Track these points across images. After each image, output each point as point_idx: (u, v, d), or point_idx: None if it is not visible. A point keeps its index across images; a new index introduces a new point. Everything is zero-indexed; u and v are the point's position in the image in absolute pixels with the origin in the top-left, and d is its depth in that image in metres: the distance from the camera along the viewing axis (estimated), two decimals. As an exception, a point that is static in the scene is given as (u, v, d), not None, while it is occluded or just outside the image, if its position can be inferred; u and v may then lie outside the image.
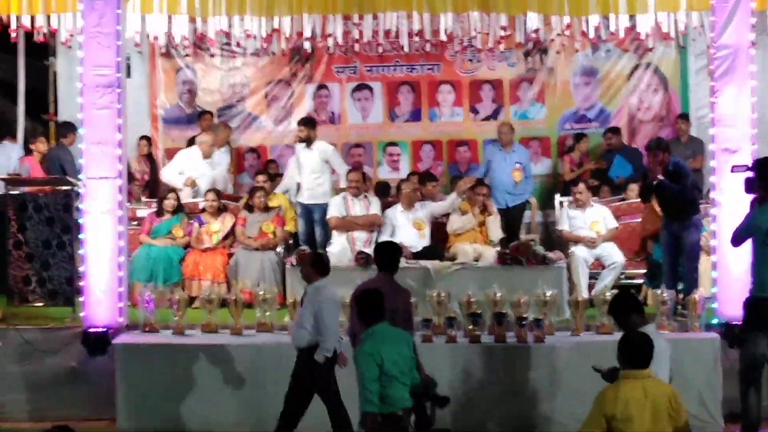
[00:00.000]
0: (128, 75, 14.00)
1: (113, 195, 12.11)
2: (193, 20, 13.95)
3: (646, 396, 7.34)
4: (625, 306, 8.70)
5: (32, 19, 13.66)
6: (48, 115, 17.47)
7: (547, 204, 16.41)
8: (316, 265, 10.38)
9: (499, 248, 13.65)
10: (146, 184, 16.42)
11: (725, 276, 11.84)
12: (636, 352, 7.54)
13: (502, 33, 13.72)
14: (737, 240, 9.88)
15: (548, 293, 11.79)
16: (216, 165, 15.80)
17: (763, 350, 9.59)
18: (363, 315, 8.85)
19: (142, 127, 17.44)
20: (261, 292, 12.27)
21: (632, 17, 13.56)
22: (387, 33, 14.26)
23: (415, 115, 17.66)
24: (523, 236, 14.62)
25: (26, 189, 13.40)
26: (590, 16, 13.24)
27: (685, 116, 16.48)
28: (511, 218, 15.06)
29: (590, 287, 13.42)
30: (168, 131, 17.63)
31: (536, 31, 13.67)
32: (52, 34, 14.16)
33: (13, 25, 13.32)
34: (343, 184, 14.90)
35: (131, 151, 15.86)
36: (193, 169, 15.43)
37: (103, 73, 12.11)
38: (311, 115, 16.61)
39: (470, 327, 11.65)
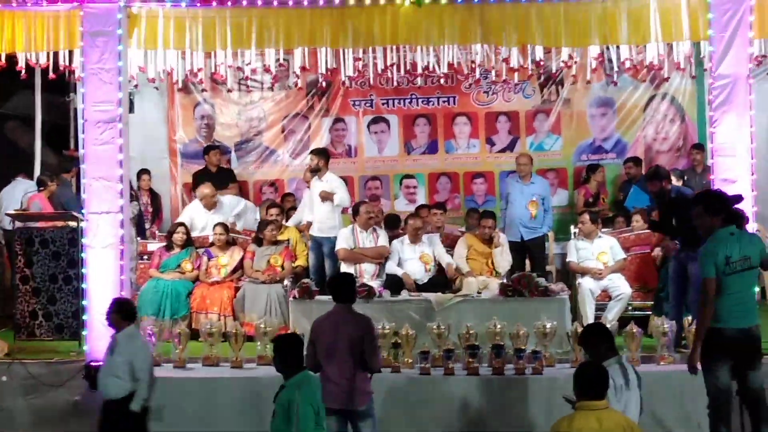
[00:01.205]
0: (131, 110, 14.11)
1: (115, 229, 12.23)
2: (208, 55, 14.02)
3: (600, 427, 7.30)
4: (595, 337, 8.68)
5: (49, 56, 13.77)
6: (69, 150, 17.63)
7: (562, 236, 16.31)
8: (121, 312, 10.44)
9: (505, 280, 13.57)
10: (151, 217, 16.50)
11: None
12: (591, 384, 7.52)
13: (507, 65, 13.63)
14: (706, 275, 9.64)
15: (548, 325, 11.77)
16: (226, 209, 15.91)
17: (726, 381, 9.44)
18: (284, 361, 8.64)
19: (161, 161, 17.75)
20: (262, 326, 12.30)
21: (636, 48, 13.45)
22: (398, 67, 14.29)
23: (432, 148, 17.71)
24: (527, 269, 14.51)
25: (33, 224, 13.50)
26: (591, 47, 13.11)
27: (699, 146, 16.38)
28: (530, 252, 14.98)
29: (597, 319, 13.26)
30: (187, 165, 17.69)
31: (538, 63, 13.64)
32: (72, 72, 14.25)
33: (21, 63, 13.34)
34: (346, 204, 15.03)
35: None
36: (202, 222, 15.57)
37: (104, 109, 12.30)
38: (326, 147, 16.63)
39: (468, 359, 11.61)
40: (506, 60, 13.39)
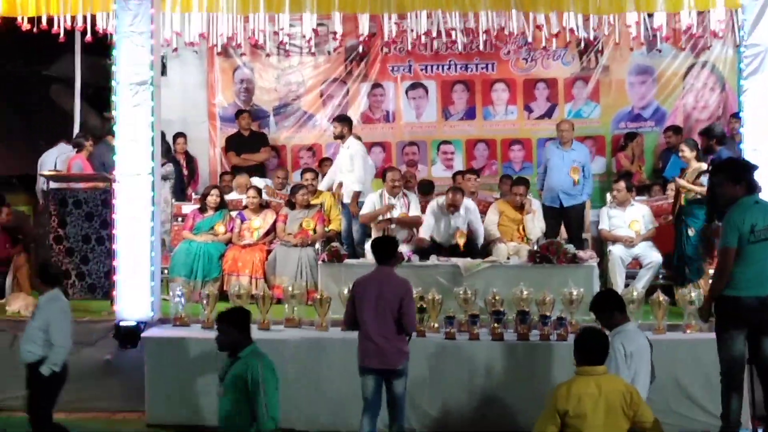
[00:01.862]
0: (163, 73, 14.20)
1: (146, 191, 12.31)
2: (246, 19, 14.07)
3: (599, 392, 7.40)
4: (607, 304, 8.71)
5: (86, 18, 13.89)
6: (111, 113, 17.76)
7: (599, 203, 16.24)
8: (42, 276, 10.53)
9: (535, 247, 13.54)
10: (186, 180, 16.66)
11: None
12: (589, 350, 7.63)
13: (540, 32, 13.61)
14: (727, 244, 9.56)
15: (575, 292, 11.71)
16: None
17: (740, 350, 9.39)
18: (241, 333, 8.28)
19: (201, 125, 17.87)
20: (290, 288, 12.37)
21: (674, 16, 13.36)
22: (439, 33, 14.27)
23: (470, 114, 17.71)
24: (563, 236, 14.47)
25: (67, 185, 13.65)
26: (628, 13, 13.02)
27: (737, 115, 16.22)
28: (568, 218, 14.88)
29: (626, 287, 13.21)
30: (225, 129, 17.80)
31: (572, 30, 13.60)
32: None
33: (56, 26, 13.46)
34: (357, 187, 15.04)
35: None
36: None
37: (136, 72, 12.33)
38: (346, 114, 16.65)
39: (494, 325, 11.62)
40: (539, 27, 13.31)
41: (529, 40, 15.07)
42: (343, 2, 13.21)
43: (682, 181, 13.33)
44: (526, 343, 11.48)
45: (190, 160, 17.07)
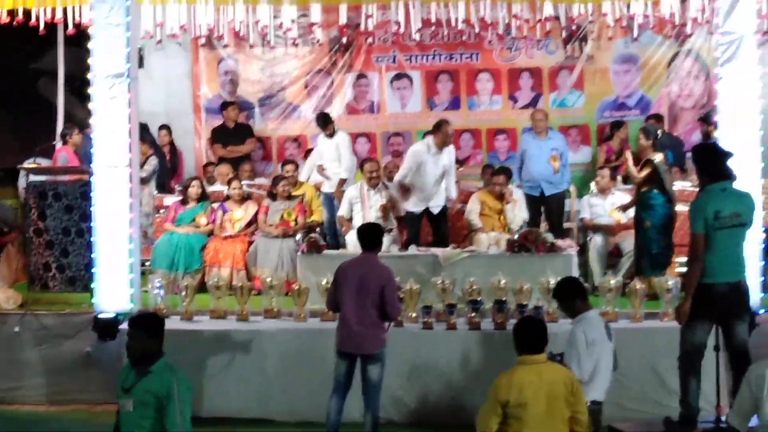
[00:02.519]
0: (140, 65, 14.17)
1: (124, 183, 12.31)
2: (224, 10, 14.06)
3: (540, 380, 7.37)
4: (569, 292, 8.75)
5: (66, 11, 13.88)
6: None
7: (585, 192, 16.21)
8: None
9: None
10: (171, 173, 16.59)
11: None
12: (528, 338, 7.62)
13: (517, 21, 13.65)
14: (695, 230, 9.62)
15: (552, 280, 11.65)
16: None
17: (701, 339, 9.41)
18: (155, 343, 7.74)
19: (186, 117, 17.91)
20: (268, 279, 12.39)
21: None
22: (426, 21, 14.25)
23: (454, 104, 17.73)
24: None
25: (48, 177, 13.67)
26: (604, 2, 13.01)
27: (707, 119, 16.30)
28: (549, 207, 14.81)
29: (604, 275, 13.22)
30: (211, 121, 17.81)
31: (548, 18, 13.61)
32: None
33: (33, 18, 13.48)
34: (344, 175, 15.34)
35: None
36: None
37: (113, 64, 12.31)
38: (323, 111, 16.68)
39: (471, 314, 11.63)
40: (516, 16, 13.32)
41: (500, 31, 14.95)
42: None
43: (632, 169, 13.48)
44: (503, 333, 11.42)
45: (174, 152, 17.02)
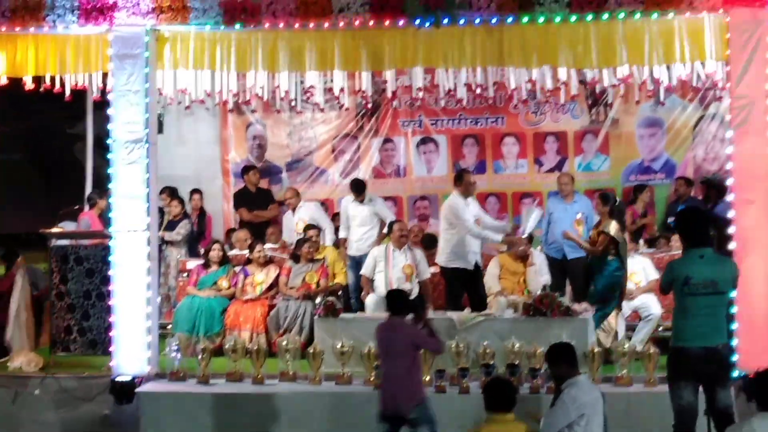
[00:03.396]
0: (160, 131, 14.37)
1: (141, 247, 12.49)
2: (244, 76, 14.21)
3: None
4: (558, 357, 8.83)
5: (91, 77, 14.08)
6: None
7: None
8: None
9: (533, 300, 13.54)
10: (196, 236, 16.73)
11: (747, 327, 11.61)
12: (496, 398, 8.09)
13: (533, 86, 13.74)
14: (662, 289, 9.84)
15: (566, 345, 11.70)
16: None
17: (690, 400, 9.39)
18: None
19: (215, 180, 18.10)
20: (284, 342, 12.47)
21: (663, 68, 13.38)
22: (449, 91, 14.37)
23: (480, 168, 17.76)
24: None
25: (71, 242, 13.85)
26: (618, 67, 13.04)
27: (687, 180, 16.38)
28: (572, 271, 14.75)
29: (628, 339, 13.17)
30: (239, 185, 17.92)
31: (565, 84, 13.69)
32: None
33: (57, 85, 13.69)
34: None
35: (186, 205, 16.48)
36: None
37: (131, 130, 12.53)
38: (360, 179, 16.57)
39: (483, 378, 11.63)
40: (532, 81, 13.43)
41: (523, 96, 15.01)
42: (344, 61, 13.17)
43: (571, 234, 13.86)
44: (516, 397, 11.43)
45: (204, 216, 17.16)
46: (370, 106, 17.23)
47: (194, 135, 18.11)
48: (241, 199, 17.11)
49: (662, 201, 17.10)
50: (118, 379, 12.35)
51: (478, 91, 14.67)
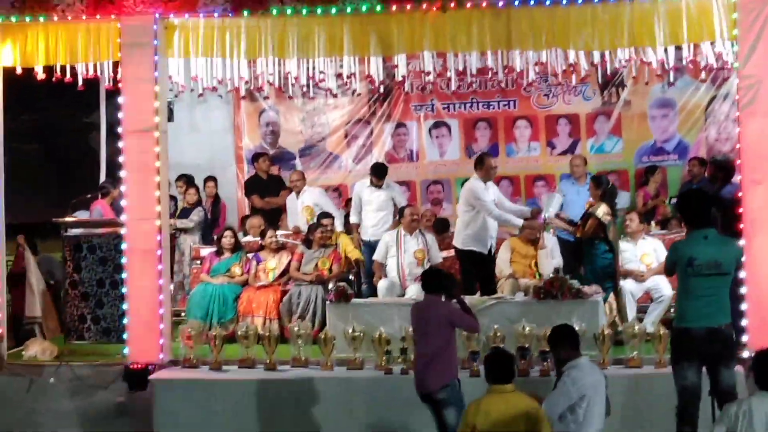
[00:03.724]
0: (170, 119, 14.44)
1: (153, 235, 12.53)
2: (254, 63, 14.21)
3: (507, 408, 8.11)
4: (558, 339, 9.00)
5: (101, 66, 14.10)
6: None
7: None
8: None
9: (544, 283, 13.54)
10: (210, 224, 16.76)
11: (756, 307, 11.58)
12: (496, 370, 8.41)
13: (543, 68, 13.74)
14: (666, 270, 9.89)
15: (576, 327, 11.68)
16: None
17: (693, 381, 9.39)
18: None
19: (229, 168, 18.15)
20: (296, 328, 12.51)
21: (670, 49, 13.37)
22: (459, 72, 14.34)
23: (493, 151, 17.65)
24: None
25: (84, 230, 13.95)
26: (621, 49, 13.06)
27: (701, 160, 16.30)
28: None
29: (640, 321, 13.17)
30: (253, 171, 17.95)
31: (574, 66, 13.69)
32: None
33: (68, 74, 13.72)
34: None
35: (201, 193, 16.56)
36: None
37: (142, 118, 12.58)
38: (382, 163, 16.65)
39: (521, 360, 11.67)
40: (540, 63, 13.44)
41: (529, 79, 14.98)
42: (353, 46, 13.15)
43: (556, 220, 13.97)
44: (526, 379, 11.45)
45: (218, 203, 17.20)
46: (382, 90, 17.16)
47: (208, 122, 18.21)
48: (253, 186, 17.14)
49: (675, 182, 17.06)
50: (132, 366, 12.38)
51: (489, 75, 14.66)
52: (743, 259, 10.47)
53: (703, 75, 16.15)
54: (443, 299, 10.38)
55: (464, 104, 17.84)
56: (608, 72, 15.91)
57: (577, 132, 17.61)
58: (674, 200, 12.65)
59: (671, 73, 15.24)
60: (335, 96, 17.35)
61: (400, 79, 14.63)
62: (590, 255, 13.19)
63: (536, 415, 8.09)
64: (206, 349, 12.69)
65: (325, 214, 15.25)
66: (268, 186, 17.02)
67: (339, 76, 14.41)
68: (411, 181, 17.89)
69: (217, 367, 12.38)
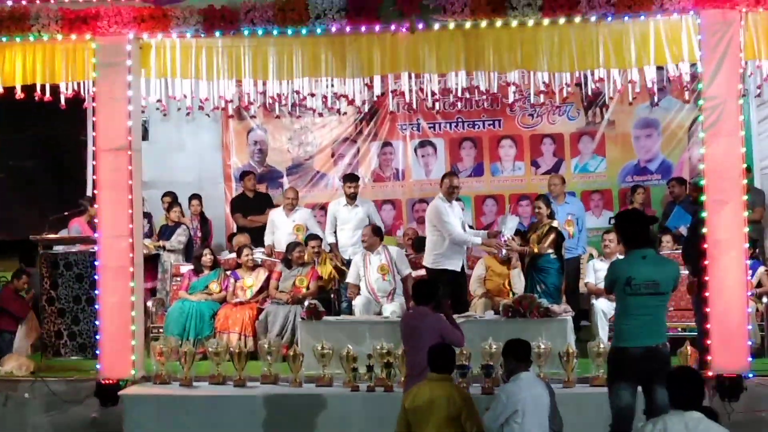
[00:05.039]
0: (145, 137, 14.58)
1: (125, 252, 12.65)
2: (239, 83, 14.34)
3: (431, 395, 8.87)
4: (506, 350, 9.33)
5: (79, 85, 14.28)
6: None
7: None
8: None
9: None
10: (200, 242, 16.87)
11: (720, 328, 11.65)
12: (437, 359, 9.15)
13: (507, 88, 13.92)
14: (606, 289, 9.99)
15: (542, 346, 11.83)
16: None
17: (628, 401, 9.44)
18: None
19: (217, 186, 18.31)
20: (265, 345, 12.62)
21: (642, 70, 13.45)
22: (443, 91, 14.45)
23: (478, 170, 17.93)
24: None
25: (62, 248, 14.13)
26: (591, 70, 13.21)
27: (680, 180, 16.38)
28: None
29: (610, 340, 13.21)
30: (241, 189, 18.10)
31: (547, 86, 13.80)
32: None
33: (48, 94, 13.88)
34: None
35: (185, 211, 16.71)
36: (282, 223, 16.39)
37: (115, 137, 12.72)
38: (351, 173, 17.00)
39: (460, 379, 11.73)
40: (510, 84, 13.56)
41: (509, 100, 15.22)
42: (331, 67, 13.27)
43: (512, 243, 14.01)
44: (491, 396, 11.50)
45: (205, 222, 17.33)
46: (367, 110, 17.30)
47: (197, 140, 18.36)
48: (238, 204, 17.37)
49: (658, 201, 17.12)
50: (103, 382, 12.51)
51: (475, 94, 14.78)
52: (681, 279, 10.46)
53: (686, 96, 16.18)
54: (432, 311, 10.51)
55: (450, 123, 17.95)
56: (590, 92, 15.95)
57: (561, 151, 17.69)
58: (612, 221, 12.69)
59: (655, 95, 15.34)
60: (321, 115, 17.42)
61: (376, 99, 14.74)
62: (544, 271, 13.28)
63: (456, 400, 8.80)
64: (179, 365, 12.79)
65: (313, 236, 15.42)
66: (253, 204, 17.20)
67: (323, 96, 14.51)
68: (397, 199, 18.01)
69: (188, 384, 12.50)
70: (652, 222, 10.07)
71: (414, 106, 16.39)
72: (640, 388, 9.53)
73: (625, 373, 9.48)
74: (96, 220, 12.96)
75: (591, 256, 15.62)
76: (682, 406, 7.58)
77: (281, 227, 16.30)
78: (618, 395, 9.51)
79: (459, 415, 8.72)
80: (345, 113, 17.47)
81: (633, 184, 17.17)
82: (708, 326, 11.72)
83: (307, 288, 14.53)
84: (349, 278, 14.65)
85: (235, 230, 17.35)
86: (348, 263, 15.30)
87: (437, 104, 16.48)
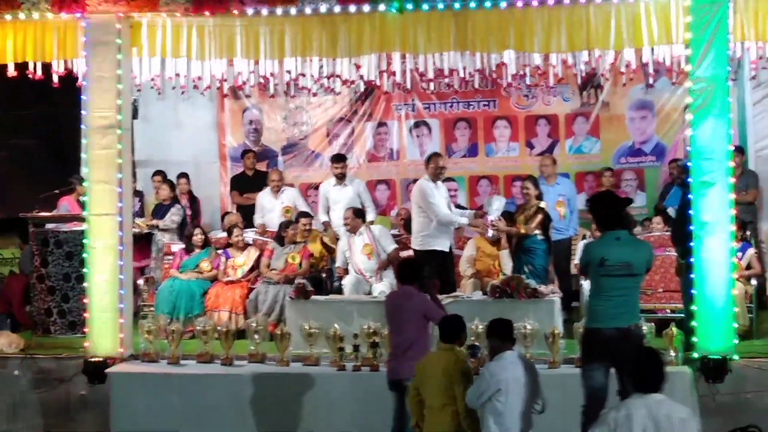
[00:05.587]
0: (135, 116, 14.57)
1: (114, 231, 12.68)
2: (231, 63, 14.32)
3: (436, 363, 9.24)
4: (490, 330, 9.35)
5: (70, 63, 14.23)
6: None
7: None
8: None
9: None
10: (190, 220, 16.85)
11: (706, 309, 11.63)
12: (447, 329, 9.49)
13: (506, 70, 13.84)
14: (580, 271, 10.02)
15: (529, 326, 11.83)
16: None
17: (601, 382, 9.43)
18: None
19: (213, 165, 18.31)
20: (253, 324, 12.65)
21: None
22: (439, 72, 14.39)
23: (472, 151, 17.92)
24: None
25: (53, 226, 14.17)
26: (580, 51, 13.15)
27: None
28: (555, 253, 14.74)
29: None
30: (236, 169, 18.22)
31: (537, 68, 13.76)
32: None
33: (39, 71, 13.87)
34: (371, 217, 15.59)
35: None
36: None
37: (104, 115, 12.73)
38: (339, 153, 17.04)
39: (471, 359, 11.68)
40: (503, 65, 13.51)
41: (505, 81, 15.14)
42: (323, 47, 13.22)
43: (499, 224, 14.02)
44: (476, 377, 11.53)
45: (195, 201, 17.35)
46: (362, 90, 17.27)
47: (192, 119, 18.32)
48: (237, 182, 17.54)
49: (652, 183, 17.12)
50: (91, 359, 12.53)
51: (468, 75, 14.73)
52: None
53: (674, 77, 16.10)
54: (418, 290, 10.48)
55: (445, 104, 17.93)
56: (584, 73, 15.89)
57: (555, 133, 17.66)
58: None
59: (650, 76, 15.27)
60: (315, 95, 17.42)
61: (369, 79, 14.71)
62: (531, 252, 13.30)
63: (450, 371, 9.06)
64: (164, 343, 12.82)
65: (304, 214, 15.44)
66: (251, 182, 17.27)
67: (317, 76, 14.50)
68: (391, 179, 18.00)
69: (175, 362, 12.53)
70: (625, 204, 10.03)
71: (409, 87, 16.34)
72: (613, 370, 9.51)
73: (598, 354, 9.47)
74: (83, 198, 12.91)
75: (584, 236, 15.55)
76: (643, 389, 7.55)
77: (271, 209, 16.37)
78: (591, 376, 9.51)
79: (452, 386, 8.96)
80: (339, 93, 17.42)
81: (627, 165, 17.21)
82: (694, 308, 11.66)
83: (300, 266, 14.51)
84: (337, 263, 14.81)
85: (232, 209, 17.32)
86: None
87: (432, 84, 16.40)
